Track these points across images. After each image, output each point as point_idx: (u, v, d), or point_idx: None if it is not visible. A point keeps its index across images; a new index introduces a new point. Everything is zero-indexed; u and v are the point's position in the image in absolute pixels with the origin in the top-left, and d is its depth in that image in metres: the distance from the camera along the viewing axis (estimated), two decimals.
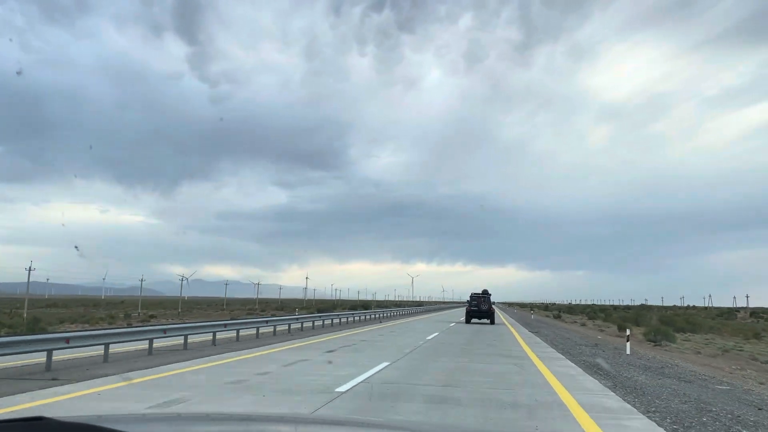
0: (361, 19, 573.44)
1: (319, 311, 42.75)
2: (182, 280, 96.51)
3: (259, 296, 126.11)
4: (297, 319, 25.34)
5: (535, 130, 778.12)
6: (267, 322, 21.49)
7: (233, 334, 18.62)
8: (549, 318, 60.59)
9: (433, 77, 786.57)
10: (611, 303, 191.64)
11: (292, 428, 2.34)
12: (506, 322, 40.62)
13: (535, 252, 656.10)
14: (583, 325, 44.91)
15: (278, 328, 22.57)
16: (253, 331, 20.21)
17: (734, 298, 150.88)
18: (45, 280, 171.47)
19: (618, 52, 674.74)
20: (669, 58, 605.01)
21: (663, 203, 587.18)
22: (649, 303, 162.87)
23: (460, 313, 52.21)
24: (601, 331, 35.14)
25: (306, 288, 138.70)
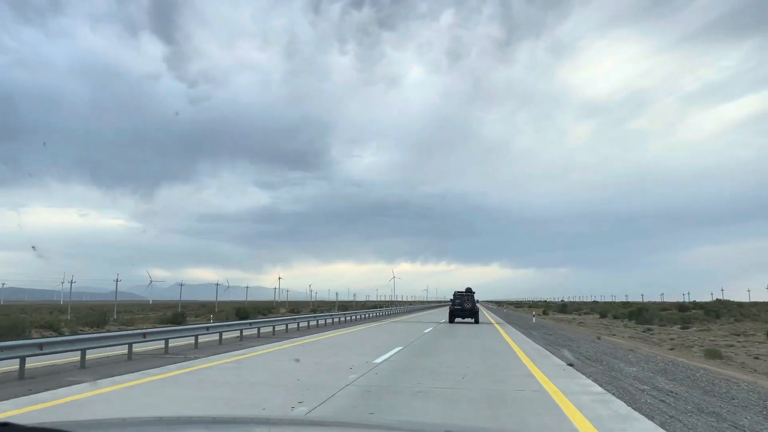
0: (340, 16, 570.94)
1: (163, 322, 31.36)
2: (155, 282, 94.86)
3: (239, 299, 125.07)
4: None
5: (517, 128, 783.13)
6: None
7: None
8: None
9: (414, 75, 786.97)
10: (594, 299, 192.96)
11: (276, 430, 2.30)
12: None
13: (518, 250, 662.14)
14: None
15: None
16: None
17: (711, 294, 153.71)
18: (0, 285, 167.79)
19: (598, 48, 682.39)
20: (649, 54, 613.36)
21: (644, 199, 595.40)
22: (630, 299, 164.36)
23: (436, 316, 46.11)
24: None
25: (278, 289, 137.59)
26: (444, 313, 52.94)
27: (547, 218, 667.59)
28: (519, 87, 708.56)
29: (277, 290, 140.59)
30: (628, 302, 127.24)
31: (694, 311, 59.28)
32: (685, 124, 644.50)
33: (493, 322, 38.79)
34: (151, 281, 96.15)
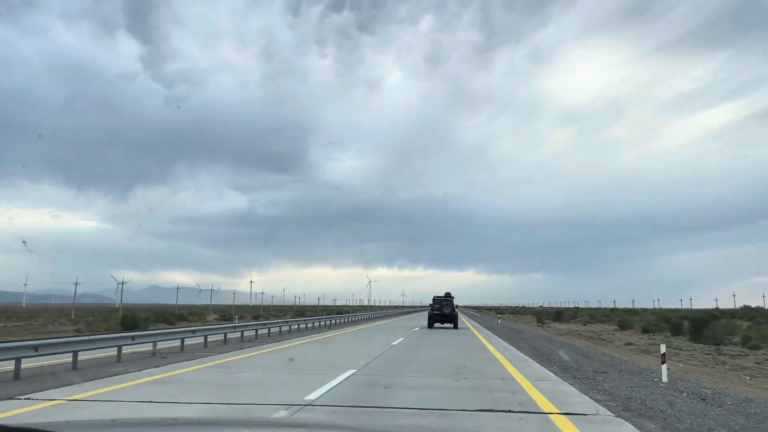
0: (320, 19, 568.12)
1: None
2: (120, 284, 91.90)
3: (214, 302, 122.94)
4: None
5: (495, 134, 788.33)
6: None
7: None
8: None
9: (394, 79, 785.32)
10: (576, 305, 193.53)
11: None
12: None
13: (494, 256, 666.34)
14: None
15: None
16: None
17: (716, 300, 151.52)
18: None
19: (576, 56, 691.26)
20: (625, 63, 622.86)
21: (619, 207, 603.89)
22: (617, 305, 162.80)
23: (405, 323, 42.40)
24: None
25: (251, 293, 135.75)
26: (416, 319, 52.85)
27: (522, 224, 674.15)
28: (498, 93, 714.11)
29: (252, 295, 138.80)
30: (631, 309, 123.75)
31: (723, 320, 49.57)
32: (661, 132, 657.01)
33: (520, 377, 12.02)
34: (118, 283, 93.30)
